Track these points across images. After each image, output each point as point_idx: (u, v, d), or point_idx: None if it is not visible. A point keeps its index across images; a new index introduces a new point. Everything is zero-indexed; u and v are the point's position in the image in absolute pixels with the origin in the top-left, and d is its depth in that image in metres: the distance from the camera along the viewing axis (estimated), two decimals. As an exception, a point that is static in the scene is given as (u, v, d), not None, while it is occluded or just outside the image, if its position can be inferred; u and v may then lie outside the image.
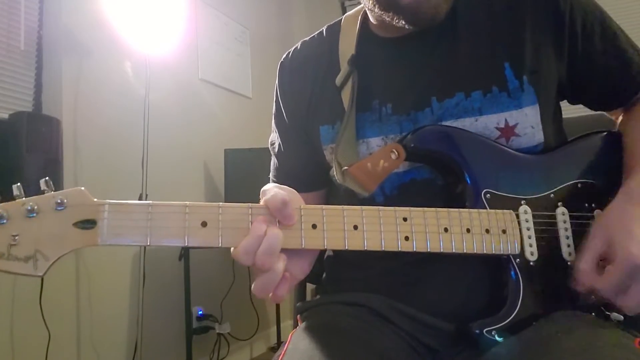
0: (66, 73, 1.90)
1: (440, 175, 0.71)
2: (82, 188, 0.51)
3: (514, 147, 0.70)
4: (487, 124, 0.70)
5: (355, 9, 0.84)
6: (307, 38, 0.87)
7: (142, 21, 2.07)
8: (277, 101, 0.86)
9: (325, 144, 0.78)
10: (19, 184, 0.49)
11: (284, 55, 0.88)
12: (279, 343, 2.73)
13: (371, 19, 0.79)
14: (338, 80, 0.77)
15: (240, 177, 2.39)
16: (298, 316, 0.81)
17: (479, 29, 0.72)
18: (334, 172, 0.72)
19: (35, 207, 0.49)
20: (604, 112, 0.84)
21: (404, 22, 0.69)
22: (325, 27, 0.86)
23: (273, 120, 0.88)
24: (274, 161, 0.88)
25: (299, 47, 0.87)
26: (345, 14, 0.86)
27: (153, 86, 2.07)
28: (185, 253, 2.18)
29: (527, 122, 0.70)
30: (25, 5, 1.84)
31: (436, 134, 0.69)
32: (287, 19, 3.45)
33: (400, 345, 0.68)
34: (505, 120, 0.69)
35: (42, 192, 0.50)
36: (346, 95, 0.75)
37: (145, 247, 1.98)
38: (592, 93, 0.77)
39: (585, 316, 0.63)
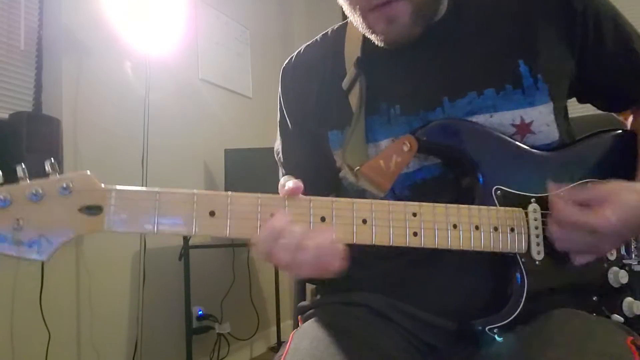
0: (66, 73, 1.89)
1: (450, 169, 0.70)
2: (88, 172, 0.49)
3: (528, 144, 0.69)
4: (502, 120, 0.69)
5: None
6: (310, 42, 0.86)
7: (142, 21, 2.06)
8: (280, 108, 0.86)
9: (335, 149, 0.77)
10: (23, 165, 0.47)
11: (287, 61, 0.87)
12: (279, 343, 2.72)
13: None
14: (345, 84, 0.76)
15: (241, 177, 2.38)
16: (299, 317, 0.80)
17: (486, 27, 0.72)
18: (345, 174, 0.71)
19: (40, 192, 0.47)
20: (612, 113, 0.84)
21: (382, 44, 0.72)
22: (330, 29, 0.85)
23: (278, 127, 0.88)
24: (281, 170, 0.89)
25: (302, 51, 0.86)
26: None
27: (153, 86, 2.06)
28: (185, 253, 2.17)
29: (542, 120, 0.69)
30: (25, 5, 1.82)
31: (449, 127, 0.68)
32: (287, 19, 3.44)
33: (401, 344, 0.68)
34: (521, 117, 0.69)
35: (47, 175, 0.48)
36: (354, 99, 0.74)
37: (145, 247, 1.98)
38: (601, 93, 0.77)
39: (583, 314, 0.62)
